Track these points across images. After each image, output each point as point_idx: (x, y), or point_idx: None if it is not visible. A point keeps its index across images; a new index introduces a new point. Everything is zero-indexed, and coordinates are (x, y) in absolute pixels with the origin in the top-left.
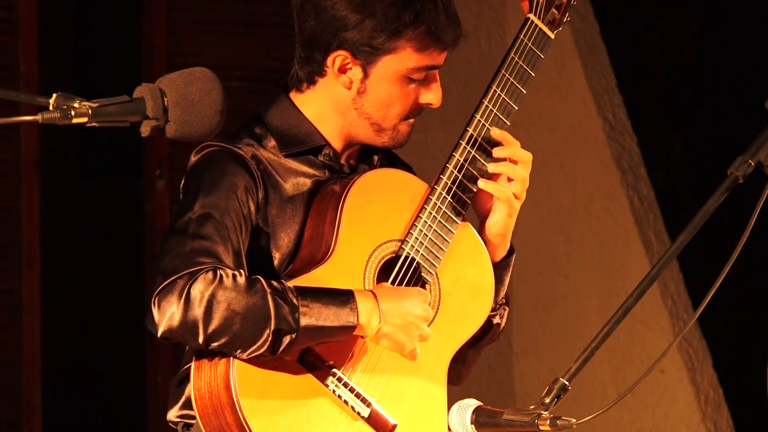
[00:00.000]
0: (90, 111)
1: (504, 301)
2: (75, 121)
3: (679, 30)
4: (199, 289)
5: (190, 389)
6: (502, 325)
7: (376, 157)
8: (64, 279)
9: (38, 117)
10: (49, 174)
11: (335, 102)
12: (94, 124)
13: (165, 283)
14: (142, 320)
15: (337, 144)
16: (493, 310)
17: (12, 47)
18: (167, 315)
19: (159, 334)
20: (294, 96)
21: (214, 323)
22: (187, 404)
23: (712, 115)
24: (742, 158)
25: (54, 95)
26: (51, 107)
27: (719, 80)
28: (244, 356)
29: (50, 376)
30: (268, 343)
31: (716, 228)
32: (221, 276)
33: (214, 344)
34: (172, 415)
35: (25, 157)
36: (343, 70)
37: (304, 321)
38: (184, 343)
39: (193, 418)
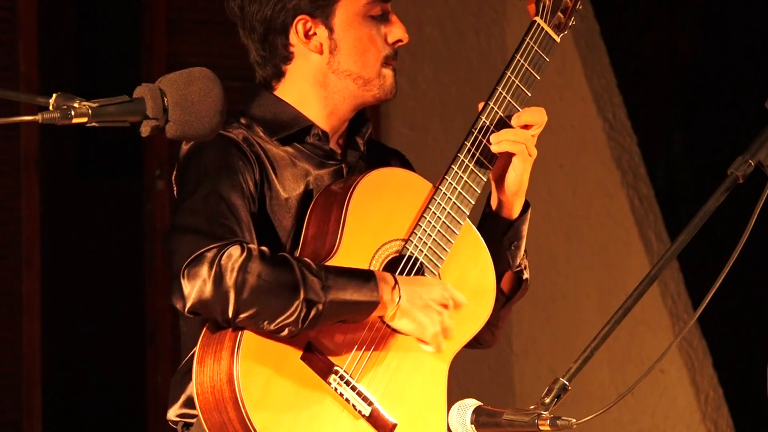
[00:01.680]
0: (90, 111)
1: (524, 254)
2: (75, 121)
3: (679, 30)
4: (230, 260)
5: (191, 387)
6: (529, 277)
7: (360, 141)
8: (64, 279)
9: (38, 117)
10: (49, 174)
11: (311, 76)
12: (94, 124)
13: (193, 255)
14: (142, 320)
15: (323, 124)
16: (517, 267)
17: (12, 47)
18: (197, 286)
19: (188, 306)
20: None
21: (246, 292)
22: (188, 403)
23: (712, 115)
24: (742, 158)
25: (54, 95)
26: (51, 107)
27: (719, 80)
28: (272, 327)
29: (50, 376)
30: (296, 313)
31: (716, 228)
32: (249, 249)
33: (243, 315)
34: (172, 414)
35: (25, 157)
36: (308, 36)
37: (331, 295)
38: (211, 317)
39: (193, 417)
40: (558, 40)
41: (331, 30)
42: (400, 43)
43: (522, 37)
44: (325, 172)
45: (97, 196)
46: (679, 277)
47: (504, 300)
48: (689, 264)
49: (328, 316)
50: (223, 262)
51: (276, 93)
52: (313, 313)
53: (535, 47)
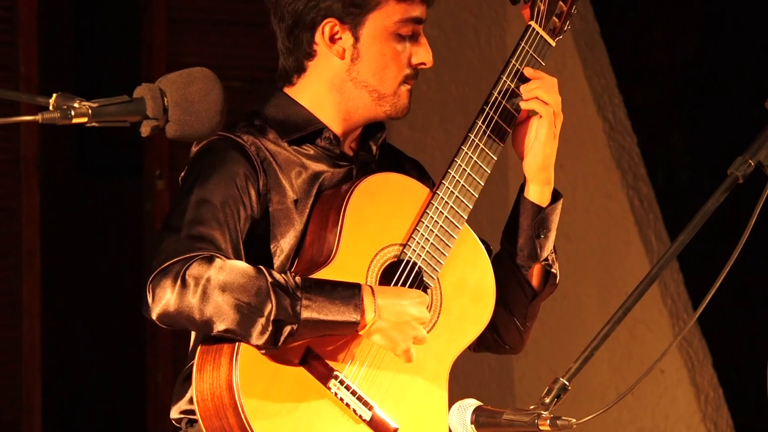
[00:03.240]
0: (90, 111)
1: (553, 249)
2: (75, 121)
3: (679, 30)
4: (194, 275)
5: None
6: (558, 273)
7: (374, 146)
8: (64, 279)
9: (38, 117)
10: (49, 174)
11: (330, 79)
12: (94, 124)
13: (159, 269)
14: (142, 320)
15: (336, 128)
16: (545, 259)
17: (12, 47)
18: (162, 301)
19: (154, 318)
20: (287, 90)
21: (209, 310)
22: (192, 401)
23: (712, 115)
24: (742, 158)
25: (54, 95)
26: (51, 107)
27: (719, 80)
28: (251, 343)
29: (50, 376)
30: (267, 333)
31: (716, 228)
32: (217, 262)
33: (213, 332)
34: (176, 411)
35: (25, 157)
36: (333, 39)
37: (305, 314)
38: (182, 329)
39: (196, 413)
40: (553, 44)
41: (356, 39)
42: (423, 66)
43: (517, 41)
44: (337, 171)
45: (97, 196)
46: (679, 277)
47: (532, 295)
48: (689, 264)
49: (305, 334)
50: (187, 275)
51: (293, 90)
52: (286, 331)
53: (530, 51)
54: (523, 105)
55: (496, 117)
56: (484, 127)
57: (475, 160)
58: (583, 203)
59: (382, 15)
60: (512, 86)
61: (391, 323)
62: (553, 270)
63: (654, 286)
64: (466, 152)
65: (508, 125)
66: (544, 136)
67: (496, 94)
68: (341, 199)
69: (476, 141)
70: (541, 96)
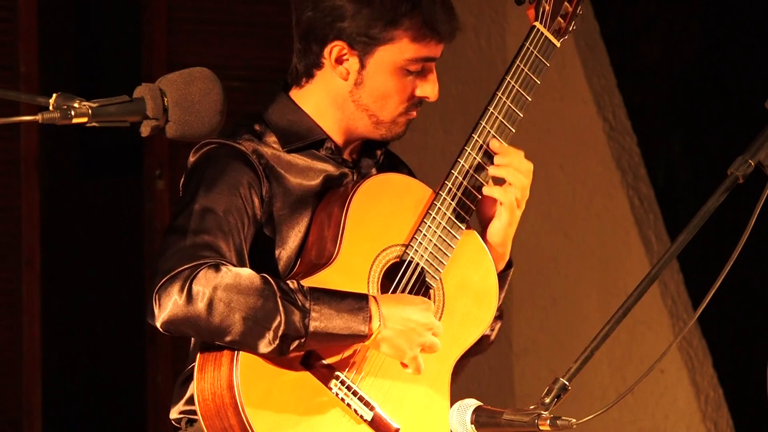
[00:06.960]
0: (90, 111)
1: (498, 314)
2: (75, 121)
3: (679, 30)
4: (201, 285)
5: (193, 388)
6: (492, 337)
7: (378, 152)
8: (64, 279)
9: (38, 117)
10: (49, 174)
11: (333, 95)
12: (94, 124)
13: (166, 278)
14: (142, 320)
15: (338, 138)
16: None
17: (12, 47)
18: (168, 310)
19: (159, 325)
20: (294, 93)
21: (216, 320)
22: (191, 400)
23: (712, 115)
24: (742, 158)
25: (54, 95)
26: (51, 107)
27: (719, 80)
28: (257, 352)
29: (50, 376)
30: (274, 345)
31: (716, 228)
32: (225, 272)
33: (219, 341)
34: (176, 412)
35: (25, 157)
36: (339, 61)
37: (313, 326)
38: (188, 336)
39: (197, 413)
40: (558, 44)
41: (363, 66)
42: (426, 99)
43: (522, 42)
44: (339, 174)
45: (97, 196)
46: (679, 277)
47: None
48: (689, 264)
49: (311, 345)
50: (194, 284)
51: (299, 93)
52: (294, 344)
53: (535, 52)
54: (486, 191)
55: (500, 117)
56: (488, 127)
57: (478, 161)
58: (583, 203)
59: (393, 50)
60: (517, 87)
61: (396, 331)
62: (487, 332)
63: (654, 286)
64: (469, 152)
65: (512, 126)
66: (506, 219)
67: (500, 95)
68: (343, 200)
69: (479, 141)
70: (508, 178)
